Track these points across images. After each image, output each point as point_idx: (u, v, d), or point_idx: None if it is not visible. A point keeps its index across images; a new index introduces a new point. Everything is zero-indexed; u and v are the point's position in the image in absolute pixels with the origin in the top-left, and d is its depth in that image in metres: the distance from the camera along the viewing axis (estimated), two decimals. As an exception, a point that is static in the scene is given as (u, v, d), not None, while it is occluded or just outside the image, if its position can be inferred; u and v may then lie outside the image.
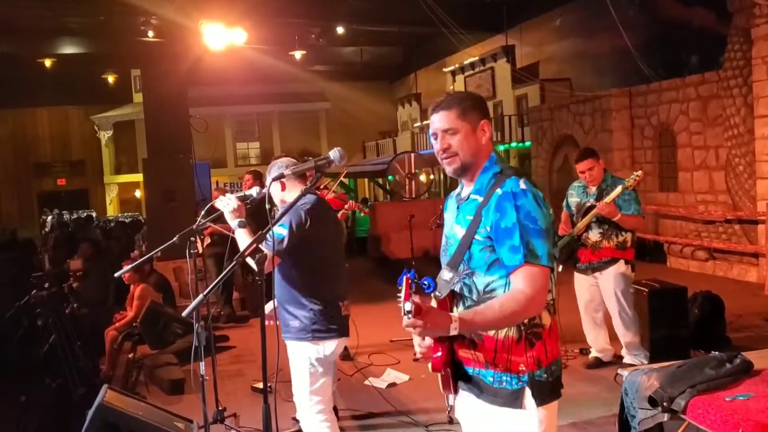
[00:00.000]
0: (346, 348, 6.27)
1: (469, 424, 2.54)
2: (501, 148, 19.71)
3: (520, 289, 2.27)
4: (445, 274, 2.44)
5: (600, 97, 13.92)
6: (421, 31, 21.75)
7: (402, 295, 2.13)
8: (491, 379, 2.37)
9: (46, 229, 23.03)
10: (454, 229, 2.49)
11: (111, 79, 28.46)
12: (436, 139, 2.49)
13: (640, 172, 5.72)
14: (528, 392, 2.33)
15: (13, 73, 23.48)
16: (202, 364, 3.70)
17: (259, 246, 3.11)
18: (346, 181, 22.34)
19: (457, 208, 2.53)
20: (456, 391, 2.49)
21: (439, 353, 2.37)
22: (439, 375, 2.45)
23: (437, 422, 5.07)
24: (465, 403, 2.49)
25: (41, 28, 19.43)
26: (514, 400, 2.34)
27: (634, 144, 13.45)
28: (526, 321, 2.33)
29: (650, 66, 13.30)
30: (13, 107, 31.04)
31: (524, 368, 2.34)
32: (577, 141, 14.71)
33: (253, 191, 3.56)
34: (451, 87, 24.40)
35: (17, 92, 27.22)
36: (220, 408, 4.87)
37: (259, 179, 8.32)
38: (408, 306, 2.09)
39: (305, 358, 3.65)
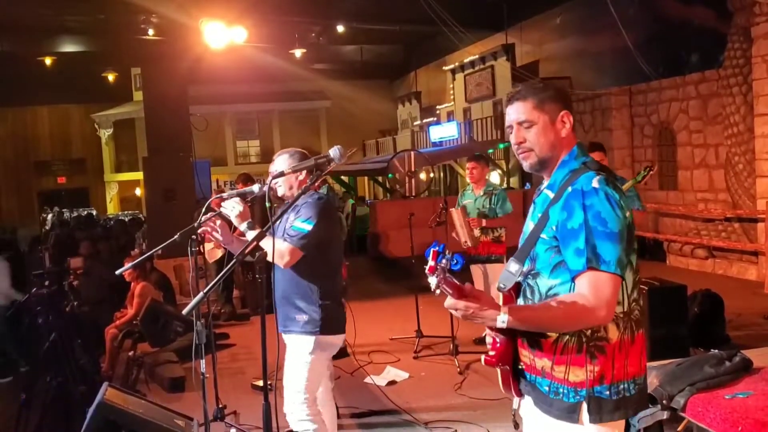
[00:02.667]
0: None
1: (529, 428, 2.40)
2: (501, 146, 19.71)
3: (582, 294, 2.09)
4: (512, 266, 2.26)
5: (600, 95, 13.92)
6: (421, 29, 21.73)
7: (427, 267, 2.01)
8: (547, 389, 2.21)
9: (47, 228, 23.03)
10: (528, 224, 2.33)
11: (111, 77, 28.44)
12: (511, 131, 2.32)
13: (655, 168, 5.72)
14: (585, 407, 2.15)
15: (13, 71, 23.44)
16: (202, 362, 3.70)
17: (259, 244, 3.11)
18: (345, 179, 22.40)
19: (534, 202, 2.37)
20: (519, 393, 2.35)
21: (493, 352, 2.26)
22: (498, 371, 2.34)
23: (437, 420, 5.08)
24: (527, 407, 2.35)
25: (41, 26, 19.42)
26: (570, 414, 2.17)
27: (634, 142, 13.45)
28: (588, 332, 2.14)
29: (650, 64, 13.29)
30: (14, 105, 31.03)
31: (584, 382, 2.15)
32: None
33: (255, 188, 3.56)
34: (451, 85, 24.40)
35: (17, 90, 27.18)
36: (220, 406, 4.88)
37: (250, 181, 8.43)
38: (433, 280, 1.99)
39: (308, 353, 3.66)
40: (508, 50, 20.34)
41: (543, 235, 2.21)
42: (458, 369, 6.16)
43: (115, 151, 34.32)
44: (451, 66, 23.90)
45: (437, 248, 2.02)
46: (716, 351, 3.84)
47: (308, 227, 3.53)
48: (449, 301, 2.04)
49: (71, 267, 7.85)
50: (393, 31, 24.04)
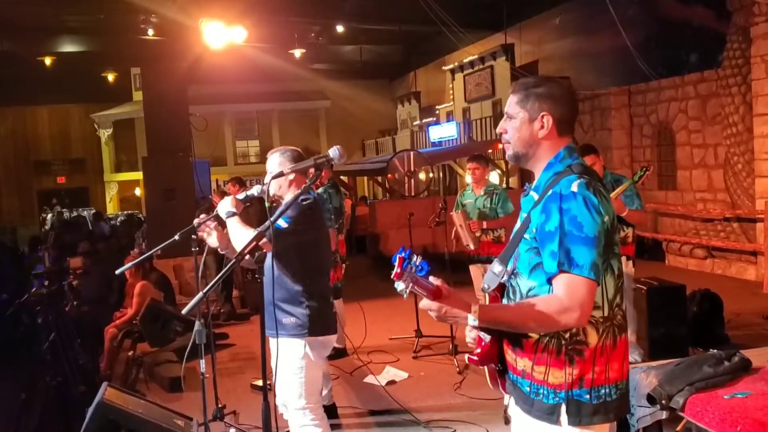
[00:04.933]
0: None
1: (516, 425, 2.42)
2: (500, 146, 19.69)
3: (556, 296, 2.11)
4: (496, 267, 2.30)
5: (599, 95, 13.92)
6: (420, 29, 21.72)
7: (393, 273, 2.03)
8: (528, 389, 2.24)
9: (46, 227, 23.02)
10: (518, 224, 2.36)
11: (111, 77, 28.41)
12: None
13: (651, 169, 5.75)
14: (564, 409, 2.17)
15: (12, 71, 23.40)
16: (202, 362, 3.71)
17: (258, 244, 3.11)
18: (345, 179, 22.39)
19: (522, 201, 2.40)
20: (507, 390, 2.38)
21: (479, 350, 2.28)
22: (485, 368, 2.37)
23: (436, 420, 5.08)
24: (516, 408, 2.37)
25: (41, 26, 19.37)
26: (549, 414, 2.19)
27: (633, 142, 13.46)
28: (567, 335, 2.15)
29: (649, 64, 13.30)
30: (13, 105, 30.98)
31: (562, 384, 2.17)
32: (576, 139, 14.62)
33: (255, 190, 3.57)
34: (451, 85, 24.40)
35: (17, 90, 27.15)
36: (219, 405, 4.89)
37: (241, 184, 8.48)
38: (400, 285, 2.01)
39: (300, 357, 3.62)
40: (507, 50, 20.34)
41: (526, 236, 2.23)
42: (457, 369, 6.17)
43: (114, 151, 34.29)
44: (451, 66, 23.90)
45: (403, 254, 2.03)
46: (715, 351, 3.84)
47: (284, 224, 3.47)
48: (424, 302, 2.08)
49: (71, 267, 7.86)
50: (393, 31, 24.00)
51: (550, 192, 2.18)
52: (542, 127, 2.27)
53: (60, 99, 31.65)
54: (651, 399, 3.63)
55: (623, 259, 5.81)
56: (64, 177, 34.27)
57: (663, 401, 3.55)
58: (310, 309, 3.62)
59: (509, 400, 2.43)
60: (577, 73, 17.88)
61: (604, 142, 13.40)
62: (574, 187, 2.15)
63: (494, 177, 20.03)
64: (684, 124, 12.06)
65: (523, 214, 2.29)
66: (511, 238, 2.34)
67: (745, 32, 10.11)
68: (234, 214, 3.50)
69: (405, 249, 2.05)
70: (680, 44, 13.47)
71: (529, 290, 2.21)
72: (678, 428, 3.75)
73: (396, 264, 2.02)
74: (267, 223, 3.10)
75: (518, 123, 2.29)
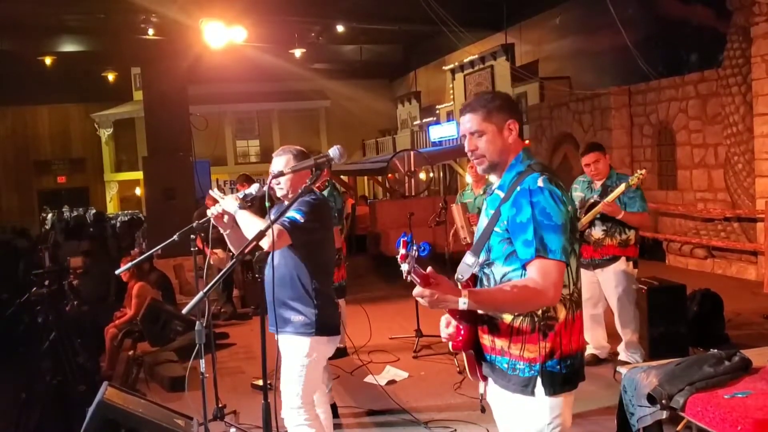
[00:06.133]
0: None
1: (495, 410, 2.69)
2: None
3: (533, 279, 2.35)
4: (468, 259, 2.56)
5: (599, 95, 13.91)
6: (420, 29, 21.70)
7: (398, 256, 2.20)
8: (506, 366, 2.48)
9: (47, 227, 23.03)
10: (482, 220, 2.63)
11: (111, 77, 28.41)
12: (465, 139, 2.59)
13: (643, 171, 5.75)
14: (539, 381, 2.42)
15: (13, 70, 23.39)
16: (202, 362, 3.72)
17: (259, 244, 3.11)
18: (345, 179, 22.40)
19: (485, 201, 2.68)
20: (483, 377, 2.61)
21: (460, 337, 2.49)
22: (465, 359, 2.61)
23: (436, 419, 5.08)
24: (492, 390, 2.62)
25: (41, 25, 19.38)
26: (524, 387, 2.44)
27: (633, 142, 13.45)
28: (540, 313, 2.42)
29: (649, 64, 13.29)
30: (14, 105, 30.98)
31: (537, 357, 2.42)
32: (576, 139, 14.71)
33: (253, 189, 3.57)
34: (451, 85, 24.39)
35: (17, 90, 27.13)
36: (220, 405, 4.89)
37: (249, 181, 8.49)
38: (405, 267, 2.18)
39: (305, 355, 3.62)
40: (507, 50, 20.33)
41: (496, 229, 2.48)
42: (458, 368, 6.17)
43: (115, 151, 34.29)
44: (451, 66, 23.89)
45: (406, 238, 2.24)
46: (715, 350, 3.84)
47: (299, 217, 3.49)
48: (417, 290, 2.21)
49: (71, 266, 7.87)
50: (393, 30, 24.00)
51: (518, 188, 2.45)
52: (510, 133, 2.55)
53: (60, 99, 31.65)
54: (651, 399, 3.63)
55: (623, 259, 5.85)
56: (64, 177, 34.28)
57: (663, 401, 3.55)
58: (318, 308, 3.62)
59: (484, 388, 2.69)
60: (577, 73, 17.89)
61: (605, 142, 13.37)
62: (540, 183, 2.43)
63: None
64: (684, 123, 12.05)
65: (491, 211, 2.54)
66: (479, 233, 2.60)
67: (746, 32, 10.11)
68: (244, 206, 3.50)
69: (407, 233, 2.25)
70: (680, 44, 13.47)
71: (504, 276, 2.47)
72: (678, 428, 3.75)
73: (400, 247, 2.20)
74: (268, 222, 3.09)
75: (490, 136, 2.54)
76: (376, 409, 5.41)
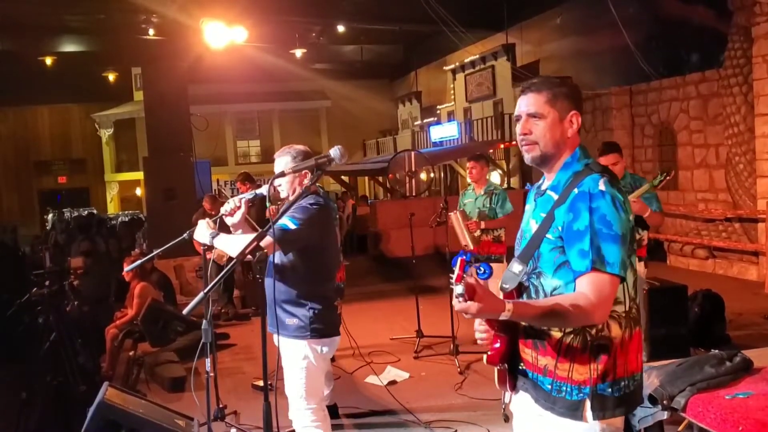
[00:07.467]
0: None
1: (524, 424, 2.41)
2: (501, 146, 19.70)
3: (584, 294, 2.11)
4: (515, 267, 2.27)
5: (600, 95, 13.91)
6: (421, 29, 21.75)
7: (454, 276, 2.00)
8: (549, 387, 2.23)
9: (47, 227, 23.04)
10: (530, 223, 2.33)
11: (112, 77, 28.46)
12: (518, 121, 2.32)
13: (671, 173, 5.68)
14: (588, 404, 2.18)
15: (13, 70, 23.43)
16: (208, 360, 3.71)
17: (259, 244, 3.10)
18: (346, 179, 22.39)
19: (535, 201, 2.36)
20: (514, 389, 2.36)
21: (498, 345, 2.26)
22: (495, 369, 2.34)
23: (437, 420, 5.08)
24: (523, 402, 2.37)
25: (42, 26, 19.41)
26: (573, 411, 2.20)
27: (634, 142, 13.45)
28: (593, 331, 2.17)
29: (651, 64, 13.30)
30: (14, 105, 31.01)
31: (587, 380, 2.18)
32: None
33: (264, 189, 3.53)
34: (452, 85, 24.40)
35: (18, 90, 27.17)
36: (220, 405, 4.88)
37: (250, 180, 8.48)
38: (459, 289, 1.96)
39: (302, 358, 3.61)
40: (508, 50, 20.35)
41: (548, 236, 2.21)
42: (459, 369, 6.16)
43: (115, 151, 34.32)
44: (452, 66, 23.91)
45: (464, 257, 2.05)
46: (717, 351, 3.83)
47: (292, 226, 3.45)
48: (460, 305, 2.01)
49: (72, 266, 7.85)
50: (393, 30, 24.05)
51: (576, 191, 2.18)
52: (571, 125, 2.28)
53: (60, 99, 31.68)
54: (652, 399, 3.61)
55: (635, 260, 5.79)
56: (64, 177, 34.31)
57: (664, 402, 3.54)
58: (312, 311, 3.60)
59: (509, 397, 2.42)
60: (578, 73, 17.88)
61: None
62: (602, 186, 2.16)
63: (495, 177, 20.02)
64: (685, 124, 12.05)
65: (542, 214, 2.26)
66: (525, 237, 2.33)
67: (747, 32, 10.10)
68: (216, 235, 3.50)
69: (465, 251, 2.04)
70: (681, 44, 13.46)
71: (554, 289, 2.21)
72: (679, 429, 3.75)
73: (457, 267, 2.02)
74: (251, 236, 3.09)
75: (549, 122, 2.27)
76: (377, 409, 5.41)
